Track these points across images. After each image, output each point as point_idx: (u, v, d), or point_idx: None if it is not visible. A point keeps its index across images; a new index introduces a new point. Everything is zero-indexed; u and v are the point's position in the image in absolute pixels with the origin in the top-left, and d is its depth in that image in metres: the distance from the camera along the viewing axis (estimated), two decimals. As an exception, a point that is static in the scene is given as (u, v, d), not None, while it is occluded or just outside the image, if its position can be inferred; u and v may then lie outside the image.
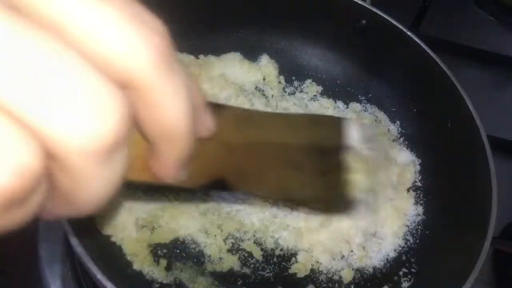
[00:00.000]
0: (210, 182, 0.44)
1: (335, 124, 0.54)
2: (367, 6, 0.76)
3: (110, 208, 0.62)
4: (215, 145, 0.42)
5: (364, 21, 0.78)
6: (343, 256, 0.66)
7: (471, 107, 0.68)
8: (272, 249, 0.65)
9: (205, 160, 0.41)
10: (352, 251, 0.66)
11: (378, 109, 0.80)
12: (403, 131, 0.78)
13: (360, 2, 0.76)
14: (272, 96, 0.78)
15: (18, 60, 0.19)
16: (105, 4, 0.22)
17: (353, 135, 0.52)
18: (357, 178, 0.53)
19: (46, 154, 0.21)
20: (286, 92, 0.80)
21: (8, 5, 0.20)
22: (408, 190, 0.73)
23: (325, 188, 0.53)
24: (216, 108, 0.41)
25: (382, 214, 0.68)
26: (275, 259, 0.65)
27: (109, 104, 0.21)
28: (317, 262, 0.65)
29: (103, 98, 0.21)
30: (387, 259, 0.67)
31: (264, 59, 0.81)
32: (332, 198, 0.56)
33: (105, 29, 0.22)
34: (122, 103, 0.22)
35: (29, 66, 0.19)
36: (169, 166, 0.31)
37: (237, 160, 0.45)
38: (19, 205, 0.21)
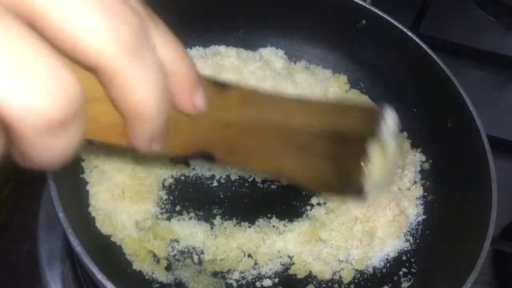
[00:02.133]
0: (195, 153, 0.46)
1: (366, 112, 0.53)
2: (367, 6, 0.76)
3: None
4: (209, 120, 0.43)
5: (364, 21, 0.78)
6: (343, 256, 0.66)
7: (471, 107, 0.68)
8: (272, 250, 0.65)
9: (193, 133, 0.43)
10: (352, 251, 0.66)
11: (378, 109, 0.80)
12: (403, 131, 0.78)
13: (360, 2, 0.76)
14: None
15: None
16: None
17: (387, 125, 0.52)
18: (374, 172, 0.53)
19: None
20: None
21: None
22: (408, 190, 0.73)
23: (332, 173, 0.53)
24: (220, 86, 0.43)
25: (382, 214, 0.68)
26: (275, 260, 0.65)
27: (57, 85, 0.24)
28: (317, 262, 0.65)
29: (53, 80, 0.24)
30: (387, 259, 0.67)
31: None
32: (340, 185, 0.55)
33: (74, 17, 0.24)
34: (72, 84, 0.25)
35: None
36: (138, 139, 0.33)
37: (231, 136, 0.46)
38: None
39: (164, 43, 0.32)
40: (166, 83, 0.32)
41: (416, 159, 0.76)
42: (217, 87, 0.43)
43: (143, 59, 0.28)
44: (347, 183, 0.54)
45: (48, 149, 0.26)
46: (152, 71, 0.29)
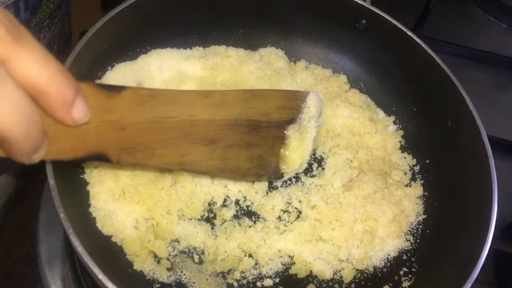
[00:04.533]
0: (86, 155, 0.48)
1: (288, 98, 0.54)
2: (367, 6, 0.76)
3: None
4: (99, 124, 0.45)
5: (364, 21, 0.78)
6: (343, 256, 0.66)
7: (471, 107, 0.69)
8: (273, 250, 0.65)
9: (82, 137, 0.45)
10: (353, 250, 0.66)
11: (378, 108, 0.80)
12: (403, 131, 0.78)
13: (360, 2, 0.76)
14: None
15: None
16: None
17: (312, 107, 0.52)
18: (292, 155, 0.53)
19: None
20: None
21: None
22: (408, 190, 0.73)
23: (245, 160, 0.54)
24: (112, 89, 0.46)
25: (383, 214, 0.69)
26: (276, 260, 0.65)
27: None
28: (318, 262, 0.65)
29: None
30: (387, 258, 0.67)
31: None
32: (257, 170, 0.56)
33: None
34: None
35: None
36: (19, 156, 0.36)
37: (126, 136, 0.48)
38: None
39: (28, 65, 0.33)
40: (36, 103, 0.34)
41: (416, 159, 0.76)
42: (107, 92, 0.45)
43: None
44: (263, 168, 0.54)
45: None
46: (10, 99, 0.32)
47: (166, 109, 0.49)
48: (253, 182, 0.69)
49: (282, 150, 0.52)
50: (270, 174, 0.55)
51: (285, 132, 0.52)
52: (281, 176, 0.55)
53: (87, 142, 0.46)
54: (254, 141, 0.52)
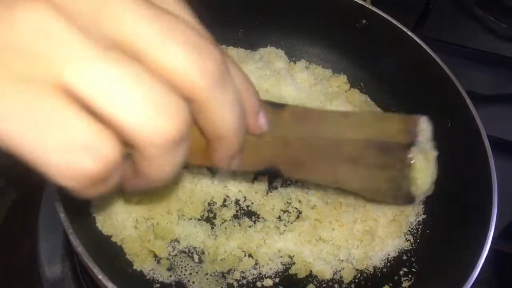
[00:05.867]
0: (264, 168, 0.51)
1: (404, 122, 0.57)
2: (367, 6, 0.76)
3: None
4: (272, 139, 0.48)
5: (364, 21, 0.78)
6: (343, 256, 0.66)
7: (471, 107, 0.69)
8: (273, 250, 0.65)
9: (261, 150, 0.48)
10: (352, 250, 0.66)
11: (378, 108, 0.80)
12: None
13: (360, 2, 0.76)
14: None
15: (118, 82, 0.28)
16: (174, 41, 0.30)
17: (426, 130, 0.55)
18: (420, 177, 0.56)
19: (124, 145, 0.30)
20: (286, 92, 0.80)
21: (115, 46, 0.29)
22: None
23: (383, 181, 0.57)
24: (276, 107, 0.49)
25: (383, 213, 0.69)
26: (276, 260, 0.65)
27: (174, 109, 0.30)
28: (318, 262, 0.65)
29: (169, 105, 0.29)
30: (387, 258, 0.67)
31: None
32: (391, 192, 0.59)
33: (172, 60, 0.30)
34: (183, 109, 0.30)
35: (124, 86, 0.28)
36: (221, 158, 0.39)
37: (291, 152, 0.51)
38: (103, 182, 0.30)
39: (234, 70, 0.37)
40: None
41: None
42: (273, 108, 0.48)
43: (226, 87, 0.33)
44: (397, 190, 0.57)
45: (164, 165, 0.32)
46: (233, 97, 0.34)
47: (316, 127, 0.53)
48: (253, 181, 0.69)
49: (411, 173, 0.55)
50: (404, 198, 0.58)
51: (409, 155, 0.55)
52: (413, 200, 0.58)
53: (262, 155, 0.49)
54: (387, 163, 0.56)
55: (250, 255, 0.64)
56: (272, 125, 0.45)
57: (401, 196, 0.59)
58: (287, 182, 0.71)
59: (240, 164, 0.42)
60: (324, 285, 0.65)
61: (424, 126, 0.56)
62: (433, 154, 0.57)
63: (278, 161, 0.51)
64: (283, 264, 0.65)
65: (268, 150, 0.49)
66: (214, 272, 0.62)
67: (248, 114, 0.39)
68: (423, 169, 0.56)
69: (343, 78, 0.82)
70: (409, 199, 0.59)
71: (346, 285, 0.65)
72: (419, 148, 0.55)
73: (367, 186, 0.58)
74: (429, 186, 0.58)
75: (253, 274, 0.64)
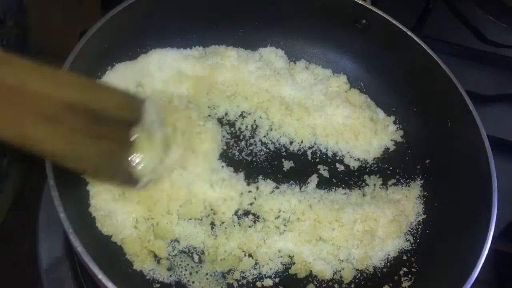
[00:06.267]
0: None
1: (126, 99, 0.55)
2: (367, 6, 0.76)
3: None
4: None
5: (364, 21, 0.78)
6: (343, 256, 0.66)
7: (471, 107, 0.69)
8: (273, 250, 0.65)
9: None
10: (352, 250, 0.66)
11: (378, 108, 0.80)
12: (403, 131, 0.78)
13: (360, 2, 0.76)
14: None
15: None
16: None
17: (151, 113, 0.53)
18: (143, 157, 0.54)
19: None
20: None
21: None
22: (408, 190, 0.73)
23: (97, 153, 0.54)
24: None
25: (383, 214, 0.69)
26: (276, 260, 0.65)
27: None
28: (317, 262, 0.65)
29: None
30: (387, 258, 0.67)
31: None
32: (108, 170, 0.56)
33: None
34: None
35: None
36: None
37: None
38: None
39: None
40: None
41: (415, 159, 0.76)
42: None
43: None
44: (117, 166, 0.55)
45: None
46: None
47: (2, 73, 0.48)
48: (256, 182, 0.69)
49: (133, 151, 0.53)
50: (124, 176, 0.56)
51: (131, 133, 0.53)
52: (136, 181, 0.56)
53: None
54: (101, 133, 0.52)
55: (250, 255, 0.64)
56: None
57: (122, 173, 0.55)
58: (287, 182, 0.71)
59: None
60: (324, 285, 0.64)
61: (149, 109, 0.54)
62: (159, 136, 0.55)
63: None
64: (283, 264, 0.65)
65: None
66: (214, 272, 0.62)
67: None
68: (146, 150, 0.54)
69: (343, 78, 0.82)
70: (132, 179, 0.55)
71: (346, 285, 0.65)
72: (142, 128, 0.53)
73: (70, 153, 0.53)
74: (154, 169, 0.56)
75: (253, 274, 0.64)
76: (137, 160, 0.54)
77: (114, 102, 0.53)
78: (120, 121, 0.53)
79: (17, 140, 0.52)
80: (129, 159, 0.54)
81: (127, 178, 0.56)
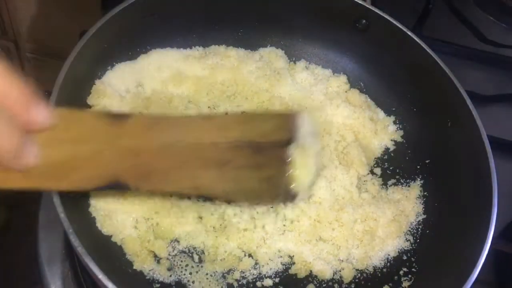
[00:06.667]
0: (108, 184, 0.50)
1: (278, 120, 0.55)
2: (367, 6, 0.76)
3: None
4: (111, 152, 0.48)
5: (364, 21, 0.78)
6: (343, 256, 0.66)
7: (471, 107, 0.69)
8: (273, 250, 0.65)
9: (97, 166, 0.48)
10: (352, 250, 0.66)
11: (378, 108, 0.80)
12: (403, 131, 0.79)
13: (360, 2, 0.76)
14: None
15: None
16: None
17: (305, 126, 0.54)
18: (300, 173, 0.55)
19: None
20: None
21: None
22: (408, 190, 0.73)
23: (258, 182, 0.55)
24: (116, 118, 0.48)
25: (383, 214, 0.69)
26: (276, 259, 0.65)
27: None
28: (318, 262, 0.65)
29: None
30: (387, 258, 0.67)
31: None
32: (269, 192, 0.57)
33: None
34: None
35: None
36: (12, 165, 0.42)
37: (140, 162, 0.50)
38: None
39: None
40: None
41: (415, 159, 0.76)
42: (111, 118, 0.47)
43: None
44: (276, 189, 0.56)
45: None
46: None
47: (172, 134, 0.51)
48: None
49: (289, 170, 0.54)
50: (284, 195, 0.57)
51: (287, 151, 0.53)
52: (294, 196, 0.56)
53: (102, 170, 0.48)
54: (262, 162, 0.54)
55: (250, 255, 0.64)
56: (110, 137, 0.45)
57: (281, 194, 0.57)
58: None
59: (67, 185, 0.44)
60: (324, 285, 0.65)
61: (302, 122, 0.54)
62: (313, 149, 0.56)
63: (125, 175, 0.50)
64: (283, 264, 0.65)
65: (110, 165, 0.48)
66: (214, 272, 0.62)
67: (18, 110, 0.40)
68: (302, 165, 0.54)
69: (343, 78, 0.82)
70: (290, 196, 0.56)
71: (346, 285, 0.65)
72: (297, 144, 0.53)
73: (236, 189, 0.56)
74: (311, 182, 0.56)
75: (253, 274, 0.64)
76: (294, 178, 0.54)
77: (270, 127, 0.54)
78: (277, 144, 0.54)
79: (191, 192, 0.57)
80: (286, 177, 0.54)
81: (287, 196, 0.57)
